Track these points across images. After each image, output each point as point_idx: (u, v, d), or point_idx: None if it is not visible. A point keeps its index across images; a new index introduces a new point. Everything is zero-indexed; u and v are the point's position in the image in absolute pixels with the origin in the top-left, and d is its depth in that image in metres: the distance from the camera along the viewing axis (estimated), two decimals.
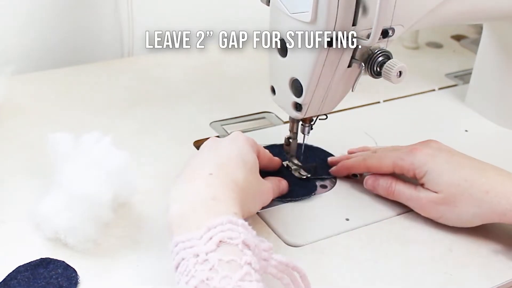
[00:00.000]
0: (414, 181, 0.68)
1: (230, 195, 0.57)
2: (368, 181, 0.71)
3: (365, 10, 0.59)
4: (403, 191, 0.68)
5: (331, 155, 0.77)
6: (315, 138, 0.72)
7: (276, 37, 0.65)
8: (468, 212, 0.65)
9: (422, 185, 0.67)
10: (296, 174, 0.72)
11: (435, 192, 0.66)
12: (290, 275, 0.54)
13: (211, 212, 0.54)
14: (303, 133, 0.71)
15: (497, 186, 0.64)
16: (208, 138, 0.79)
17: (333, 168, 0.73)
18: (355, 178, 0.74)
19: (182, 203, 0.56)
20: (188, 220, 0.54)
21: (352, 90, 0.66)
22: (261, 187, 0.65)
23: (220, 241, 0.51)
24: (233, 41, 1.08)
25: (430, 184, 0.66)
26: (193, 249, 0.51)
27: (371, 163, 0.71)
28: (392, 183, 0.69)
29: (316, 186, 0.72)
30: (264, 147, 0.72)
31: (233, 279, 0.48)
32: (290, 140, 0.72)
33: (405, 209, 0.70)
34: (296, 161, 0.73)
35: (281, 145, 0.75)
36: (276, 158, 0.72)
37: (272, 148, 0.74)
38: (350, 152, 0.76)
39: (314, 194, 0.70)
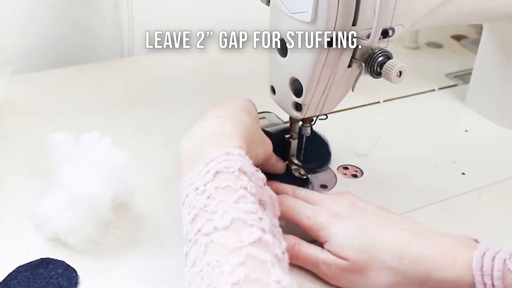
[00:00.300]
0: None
1: (237, 130, 0.59)
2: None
3: (365, 10, 0.59)
4: (309, 254, 0.59)
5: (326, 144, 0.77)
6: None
7: (276, 37, 0.65)
8: (383, 281, 0.56)
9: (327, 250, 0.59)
10: (296, 174, 0.72)
11: (344, 259, 0.57)
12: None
13: (217, 147, 0.56)
14: (302, 134, 0.71)
15: (411, 250, 0.55)
16: None
17: None
18: (354, 178, 0.74)
19: (190, 140, 0.59)
20: (195, 157, 0.56)
21: (352, 90, 0.66)
22: (264, 136, 0.66)
23: (217, 172, 0.53)
24: (233, 41, 1.08)
25: (336, 250, 0.57)
26: (193, 184, 0.53)
27: (282, 209, 0.60)
28: (296, 245, 0.60)
29: (312, 186, 0.72)
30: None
31: (228, 202, 0.50)
32: (291, 140, 0.72)
33: (405, 209, 0.70)
34: (296, 161, 0.73)
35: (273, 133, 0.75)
36: (282, 162, 0.71)
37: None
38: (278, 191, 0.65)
39: None
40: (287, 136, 0.72)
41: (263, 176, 0.56)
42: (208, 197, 0.51)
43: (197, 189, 0.52)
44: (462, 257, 0.54)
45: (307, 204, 0.62)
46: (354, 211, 0.60)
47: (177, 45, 1.05)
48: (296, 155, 0.73)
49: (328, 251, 0.58)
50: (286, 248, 0.52)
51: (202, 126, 0.60)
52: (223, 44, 1.06)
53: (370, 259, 0.56)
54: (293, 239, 0.60)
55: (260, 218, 0.50)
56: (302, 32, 0.61)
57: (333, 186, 0.73)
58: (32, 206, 0.63)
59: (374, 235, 0.57)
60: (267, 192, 0.56)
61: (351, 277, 0.57)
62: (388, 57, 0.62)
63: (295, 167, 0.73)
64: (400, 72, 0.61)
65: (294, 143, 0.72)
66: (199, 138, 0.58)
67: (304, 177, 0.72)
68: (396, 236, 0.57)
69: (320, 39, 0.59)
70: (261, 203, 0.54)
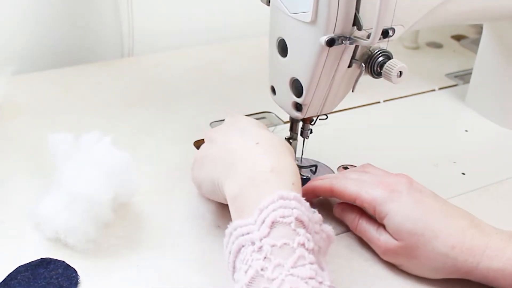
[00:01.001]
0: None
1: (286, 162, 0.56)
2: (337, 209, 0.66)
3: (365, 10, 0.59)
4: (364, 231, 0.63)
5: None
6: (315, 138, 0.72)
7: (276, 37, 0.65)
8: (430, 266, 0.58)
9: (383, 226, 0.61)
10: None
11: (395, 239, 0.60)
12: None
13: (270, 187, 0.53)
14: (302, 137, 0.71)
15: (465, 241, 0.57)
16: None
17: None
18: None
19: (236, 182, 0.55)
20: (246, 199, 0.54)
21: (352, 91, 0.66)
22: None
23: (273, 222, 0.50)
24: (233, 41, 1.08)
25: (390, 228, 0.60)
26: (249, 236, 0.51)
27: (336, 188, 0.64)
28: (357, 218, 0.63)
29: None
30: None
31: (286, 267, 0.48)
32: (291, 141, 0.72)
33: None
34: (296, 161, 0.73)
35: None
36: None
37: None
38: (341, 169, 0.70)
39: None
40: (287, 137, 0.72)
41: (319, 217, 0.54)
42: (265, 258, 0.49)
43: (253, 243, 0.50)
44: (510, 251, 0.56)
45: (366, 180, 0.63)
46: (412, 191, 0.61)
47: (177, 45, 1.06)
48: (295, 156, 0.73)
49: (383, 226, 0.61)
50: (348, 219, 0.63)
51: (244, 159, 0.57)
52: (223, 44, 1.06)
53: (422, 243, 0.58)
54: (356, 212, 0.64)
55: (321, 282, 0.48)
56: (302, 32, 0.61)
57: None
58: (32, 206, 0.63)
59: (428, 219, 0.58)
60: (324, 233, 0.53)
61: (399, 257, 0.60)
62: (388, 57, 0.62)
63: None
64: (400, 72, 0.61)
65: (294, 144, 0.72)
66: (246, 179, 0.55)
67: (304, 177, 0.72)
68: (452, 223, 0.58)
69: (320, 39, 0.59)
70: (319, 251, 0.52)
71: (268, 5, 0.66)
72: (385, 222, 0.60)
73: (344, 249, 0.64)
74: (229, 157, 0.58)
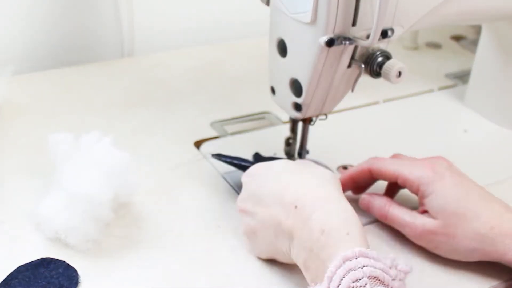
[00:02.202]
0: (411, 205, 0.64)
1: (333, 214, 0.53)
2: (363, 200, 0.66)
3: (364, 10, 0.59)
4: (397, 216, 0.63)
5: None
6: (315, 138, 0.72)
7: (276, 37, 0.65)
8: (468, 246, 0.60)
9: (422, 206, 0.62)
10: None
11: (434, 219, 0.61)
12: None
13: (329, 251, 0.50)
14: (302, 136, 0.71)
15: (503, 223, 0.59)
16: (208, 138, 0.79)
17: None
18: None
19: (301, 254, 0.52)
20: (314, 269, 0.51)
21: (351, 91, 0.66)
22: None
23: None
24: (233, 41, 1.08)
25: (432, 207, 0.61)
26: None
27: (375, 168, 0.65)
28: (387, 205, 0.64)
29: None
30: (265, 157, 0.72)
31: None
32: (290, 141, 0.72)
33: None
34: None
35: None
36: None
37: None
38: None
39: None
40: (287, 136, 0.72)
41: (391, 259, 0.51)
42: None
43: None
44: None
45: (405, 161, 0.65)
46: (454, 173, 0.63)
47: (177, 45, 1.06)
48: (299, 154, 0.73)
49: (422, 206, 0.62)
50: (377, 208, 0.64)
51: (295, 229, 0.53)
52: (223, 44, 1.06)
53: (463, 222, 0.59)
54: (385, 200, 0.64)
55: None
56: (302, 33, 0.61)
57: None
58: (32, 206, 0.63)
59: (470, 200, 0.60)
60: (401, 272, 0.51)
61: (437, 237, 0.60)
62: (387, 57, 0.62)
63: None
64: (399, 72, 0.61)
65: (294, 144, 0.72)
66: (306, 252, 0.52)
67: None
68: (491, 206, 0.60)
69: (320, 39, 0.59)
70: None
71: (268, 5, 0.66)
72: (427, 201, 0.61)
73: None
74: (279, 230, 0.55)
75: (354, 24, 0.60)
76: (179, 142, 0.79)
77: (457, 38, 1.15)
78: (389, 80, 0.62)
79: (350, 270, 0.47)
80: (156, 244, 0.63)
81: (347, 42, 0.60)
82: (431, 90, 0.97)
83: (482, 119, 0.89)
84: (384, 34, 0.61)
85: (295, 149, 0.73)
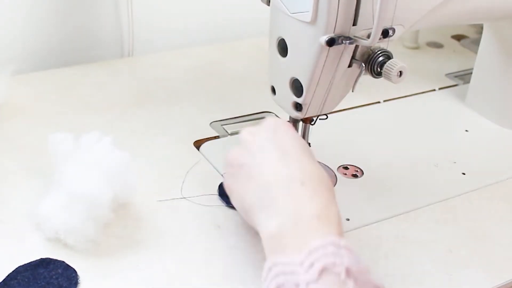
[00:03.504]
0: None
1: (332, 210, 0.53)
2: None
3: (365, 10, 0.59)
4: None
5: None
6: (315, 138, 0.72)
7: (276, 37, 0.65)
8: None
9: None
10: None
11: None
12: None
13: (314, 233, 0.50)
14: (303, 136, 0.71)
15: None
16: (208, 138, 0.79)
17: None
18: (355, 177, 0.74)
19: (279, 219, 0.52)
20: (288, 240, 0.51)
21: (352, 91, 0.66)
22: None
23: (323, 269, 0.47)
24: (233, 41, 1.08)
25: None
26: (293, 277, 0.47)
27: None
28: None
29: None
30: None
31: None
32: None
33: (405, 209, 0.70)
34: None
35: None
36: None
37: None
38: None
39: None
40: None
41: (367, 268, 0.50)
42: None
43: (297, 286, 0.47)
44: None
45: None
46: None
47: (177, 45, 1.06)
48: None
49: None
50: None
51: (286, 199, 0.53)
52: (223, 44, 1.06)
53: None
54: None
55: None
56: (302, 32, 0.61)
57: (333, 186, 0.72)
58: (32, 206, 0.63)
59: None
60: (372, 285, 0.50)
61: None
62: (388, 57, 0.62)
63: None
64: (400, 72, 0.61)
65: None
66: (289, 221, 0.51)
67: None
68: None
69: (320, 39, 0.59)
70: None
71: (268, 5, 0.66)
72: None
73: None
74: (268, 190, 0.55)
75: (354, 23, 0.60)
76: (179, 142, 0.79)
77: (458, 38, 1.15)
78: (390, 80, 0.62)
79: (332, 253, 0.48)
80: (155, 244, 0.63)
81: (348, 42, 0.60)
82: (432, 90, 0.97)
83: (483, 119, 0.89)
84: (385, 33, 0.61)
85: None
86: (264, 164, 0.56)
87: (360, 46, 0.62)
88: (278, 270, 0.49)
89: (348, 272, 0.47)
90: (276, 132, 0.59)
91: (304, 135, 0.71)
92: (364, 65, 0.62)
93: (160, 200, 0.68)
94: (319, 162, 0.74)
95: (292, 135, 0.59)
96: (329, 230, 0.51)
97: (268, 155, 0.57)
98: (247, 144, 0.59)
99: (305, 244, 0.49)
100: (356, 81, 0.64)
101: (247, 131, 0.61)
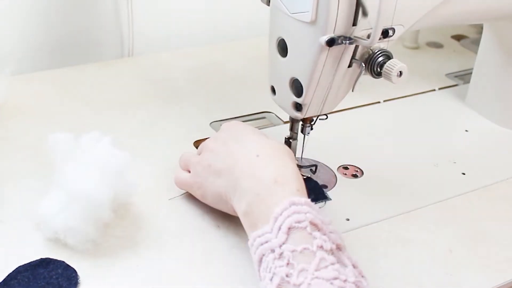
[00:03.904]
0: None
1: (288, 170, 0.58)
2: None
3: (365, 10, 0.59)
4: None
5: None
6: (315, 138, 0.72)
7: (276, 37, 0.65)
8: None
9: None
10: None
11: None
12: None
13: (277, 198, 0.55)
14: (303, 134, 0.71)
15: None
16: (208, 138, 0.79)
17: None
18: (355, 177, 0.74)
19: (244, 199, 0.57)
20: (257, 213, 0.56)
21: (352, 90, 0.66)
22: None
23: (289, 228, 0.52)
24: (233, 41, 1.08)
25: None
26: (268, 244, 0.52)
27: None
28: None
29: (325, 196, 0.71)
30: None
31: (310, 271, 0.50)
32: (291, 140, 0.72)
33: (405, 209, 0.70)
34: (296, 162, 0.73)
35: None
36: None
37: None
38: None
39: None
40: (287, 136, 0.72)
41: (329, 220, 0.55)
42: (287, 264, 0.51)
43: (273, 251, 0.52)
44: None
45: None
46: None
47: (177, 45, 1.06)
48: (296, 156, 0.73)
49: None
50: None
51: (246, 175, 0.58)
52: (223, 44, 1.06)
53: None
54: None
55: (345, 280, 0.50)
56: (303, 32, 0.61)
57: (333, 186, 0.73)
58: (32, 206, 0.63)
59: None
60: (338, 234, 0.55)
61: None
62: (388, 57, 0.62)
63: None
64: (400, 72, 0.61)
65: (294, 143, 0.72)
66: (253, 195, 0.57)
67: (305, 177, 0.72)
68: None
69: (320, 39, 0.59)
70: (338, 248, 0.53)
71: (268, 5, 0.66)
72: None
73: None
74: (232, 172, 0.60)
75: (354, 23, 0.59)
76: (179, 142, 0.79)
77: (458, 38, 1.15)
78: (390, 80, 0.62)
79: (294, 212, 0.53)
80: (155, 244, 0.63)
81: (348, 42, 0.60)
82: (432, 90, 0.96)
83: (483, 119, 0.89)
84: (385, 33, 0.61)
85: (295, 149, 0.73)
86: (226, 155, 0.61)
87: (360, 46, 0.62)
88: (257, 243, 0.54)
89: (313, 224, 0.52)
90: (229, 129, 0.65)
91: (304, 138, 0.71)
92: (364, 65, 0.62)
93: (160, 200, 0.68)
94: (319, 162, 0.75)
95: (243, 126, 0.65)
96: (289, 189, 0.56)
97: (227, 147, 0.62)
98: (210, 147, 0.64)
99: (271, 212, 0.54)
100: (356, 80, 0.64)
101: (208, 140, 0.66)
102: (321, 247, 0.51)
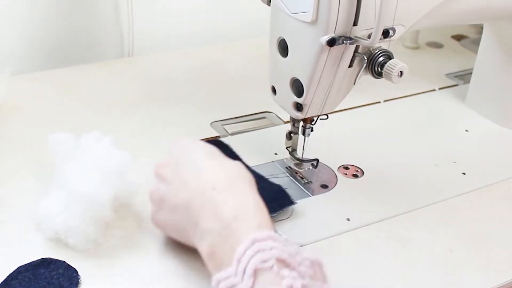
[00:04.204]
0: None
1: (248, 203, 0.54)
2: None
3: (366, 10, 0.59)
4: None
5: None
6: (315, 138, 0.72)
7: (277, 37, 0.65)
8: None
9: None
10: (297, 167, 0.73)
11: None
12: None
13: (239, 235, 0.51)
14: (303, 135, 0.71)
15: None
16: (208, 138, 0.79)
17: None
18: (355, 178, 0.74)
19: (207, 238, 0.53)
20: (220, 255, 0.52)
21: (353, 83, 0.66)
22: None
23: (255, 270, 0.48)
24: (233, 41, 1.08)
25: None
26: None
27: None
28: None
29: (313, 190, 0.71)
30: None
31: None
32: (292, 135, 0.72)
33: (405, 209, 0.70)
34: (297, 155, 0.73)
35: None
36: None
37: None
38: None
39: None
40: (288, 130, 0.72)
41: (296, 247, 0.51)
42: None
43: None
44: None
45: None
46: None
47: (177, 45, 1.06)
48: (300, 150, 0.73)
49: None
50: None
51: (204, 214, 0.54)
52: (223, 44, 1.06)
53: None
54: None
55: None
56: (303, 32, 0.61)
57: (334, 186, 0.73)
58: (32, 206, 0.63)
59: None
60: (308, 260, 0.50)
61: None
62: (389, 57, 0.62)
63: (296, 161, 0.73)
64: (401, 72, 0.61)
65: (295, 137, 0.72)
66: (214, 236, 0.52)
67: (306, 181, 0.72)
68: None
69: (321, 39, 0.59)
70: (311, 276, 0.49)
71: (269, 5, 0.66)
72: None
73: (344, 249, 0.64)
74: (188, 208, 0.56)
75: (355, 23, 0.60)
76: None
77: (458, 38, 1.15)
78: (390, 80, 0.62)
79: (258, 251, 0.49)
80: (156, 244, 0.63)
81: (348, 42, 0.60)
82: (432, 90, 0.97)
83: (483, 119, 0.89)
84: (386, 33, 0.61)
85: (296, 143, 0.72)
86: (180, 187, 0.57)
87: (360, 46, 0.62)
88: (222, 286, 0.49)
89: (279, 261, 0.48)
90: (182, 151, 0.60)
91: (304, 138, 0.71)
92: (366, 59, 0.62)
93: None
94: (319, 162, 0.75)
95: (196, 147, 0.60)
96: (250, 225, 0.52)
97: (180, 176, 0.58)
98: (164, 176, 0.60)
99: (233, 252, 0.50)
100: (357, 74, 0.64)
101: (157, 166, 0.62)
102: (291, 286, 0.47)
